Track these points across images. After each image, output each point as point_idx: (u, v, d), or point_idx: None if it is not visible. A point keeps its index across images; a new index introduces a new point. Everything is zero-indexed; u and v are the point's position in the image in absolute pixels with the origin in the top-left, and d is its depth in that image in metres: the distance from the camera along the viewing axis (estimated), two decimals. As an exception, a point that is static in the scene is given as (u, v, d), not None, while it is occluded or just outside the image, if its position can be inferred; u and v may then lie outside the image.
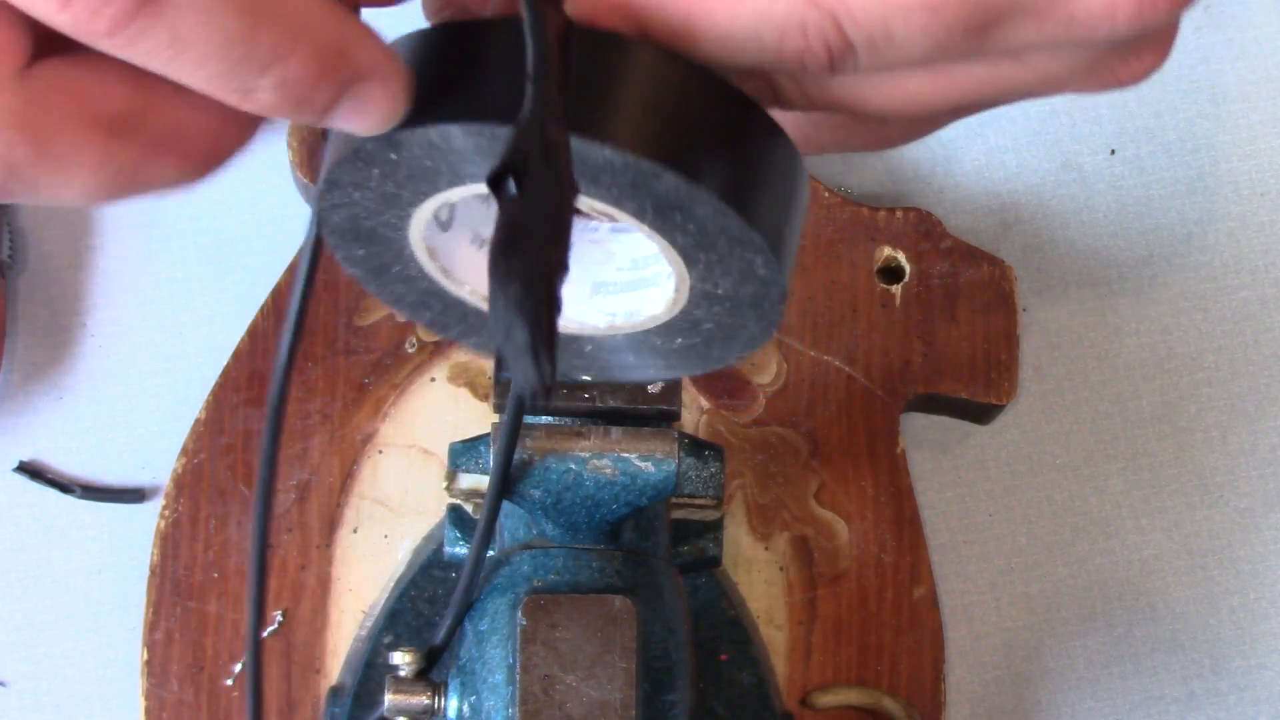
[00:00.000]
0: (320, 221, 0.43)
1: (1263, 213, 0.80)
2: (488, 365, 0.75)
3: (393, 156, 0.40)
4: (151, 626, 0.72)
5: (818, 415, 0.75)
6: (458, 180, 0.40)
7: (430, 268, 0.45)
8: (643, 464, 0.59)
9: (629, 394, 0.61)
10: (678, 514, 0.64)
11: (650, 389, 0.61)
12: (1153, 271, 0.80)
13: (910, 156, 0.81)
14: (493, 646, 0.57)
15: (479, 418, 0.74)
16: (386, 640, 0.69)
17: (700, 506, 0.64)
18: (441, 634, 0.58)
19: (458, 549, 0.63)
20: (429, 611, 0.70)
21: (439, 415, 0.75)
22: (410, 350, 0.75)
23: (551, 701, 0.55)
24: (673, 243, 0.41)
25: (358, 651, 0.71)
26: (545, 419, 0.61)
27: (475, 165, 0.39)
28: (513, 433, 0.56)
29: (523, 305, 0.36)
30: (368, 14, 0.41)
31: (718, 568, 0.67)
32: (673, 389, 0.61)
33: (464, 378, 0.75)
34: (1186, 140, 0.81)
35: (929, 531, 0.76)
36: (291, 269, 0.75)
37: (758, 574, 0.74)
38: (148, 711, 0.72)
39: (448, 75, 0.38)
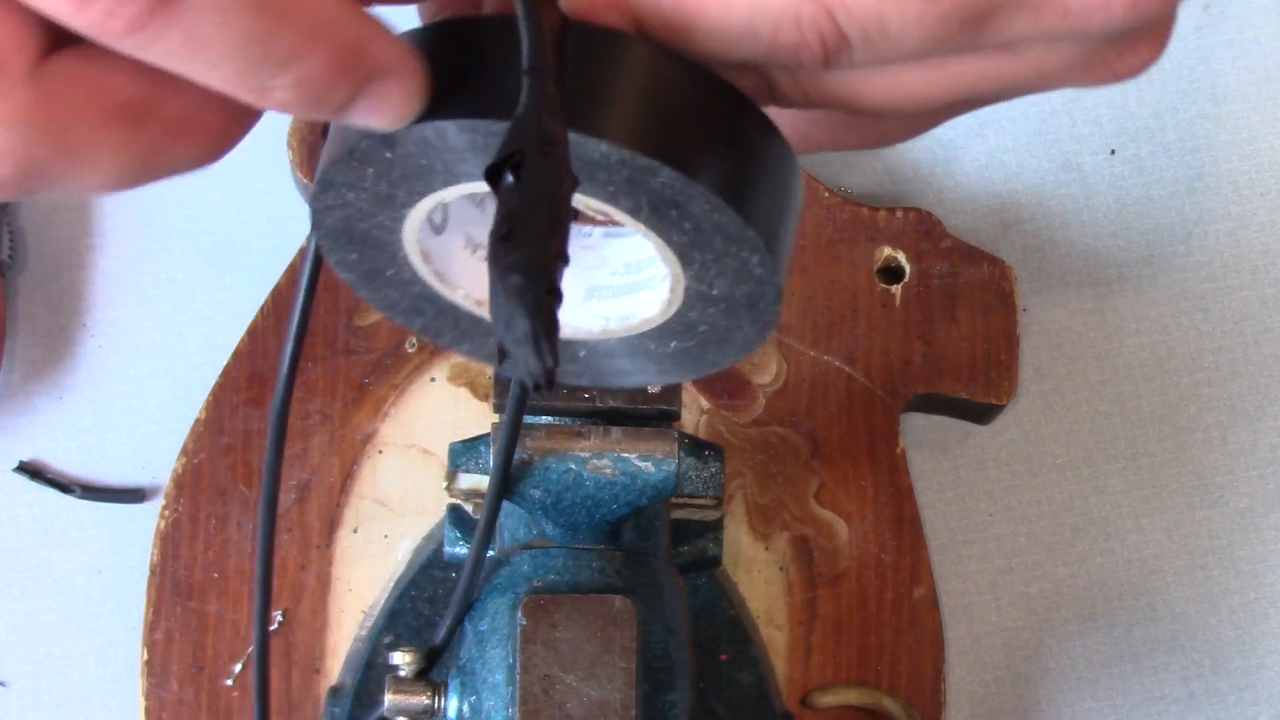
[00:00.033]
0: (314, 224, 0.43)
1: (1263, 213, 0.80)
2: (487, 366, 0.75)
3: (387, 155, 0.40)
4: (151, 626, 0.72)
5: (818, 415, 0.75)
6: (453, 179, 0.40)
7: (424, 271, 0.45)
8: (643, 464, 0.59)
9: (629, 394, 0.61)
10: (678, 514, 0.64)
11: (650, 389, 0.61)
12: (1152, 271, 0.80)
13: (910, 156, 0.81)
14: (493, 646, 0.57)
15: (479, 418, 0.74)
16: (386, 640, 0.69)
17: (700, 506, 0.64)
18: (441, 634, 0.58)
19: (458, 549, 0.63)
20: (429, 611, 0.70)
21: (439, 415, 0.75)
22: (410, 350, 0.75)
23: (551, 701, 0.55)
24: (668, 241, 0.41)
25: (358, 651, 0.71)
26: (545, 419, 0.61)
27: (470, 163, 0.39)
28: (513, 432, 0.55)
29: (523, 295, 0.35)
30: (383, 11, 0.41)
31: (718, 568, 0.67)
32: (673, 389, 0.61)
33: (464, 378, 0.75)
34: (1186, 140, 0.81)
35: (929, 531, 0.76)
36: (291, 269, 0.75)
37: (758, 574, 0.74)
38: (148, 711, 0.72)
39: (443, 73, 0.38)
